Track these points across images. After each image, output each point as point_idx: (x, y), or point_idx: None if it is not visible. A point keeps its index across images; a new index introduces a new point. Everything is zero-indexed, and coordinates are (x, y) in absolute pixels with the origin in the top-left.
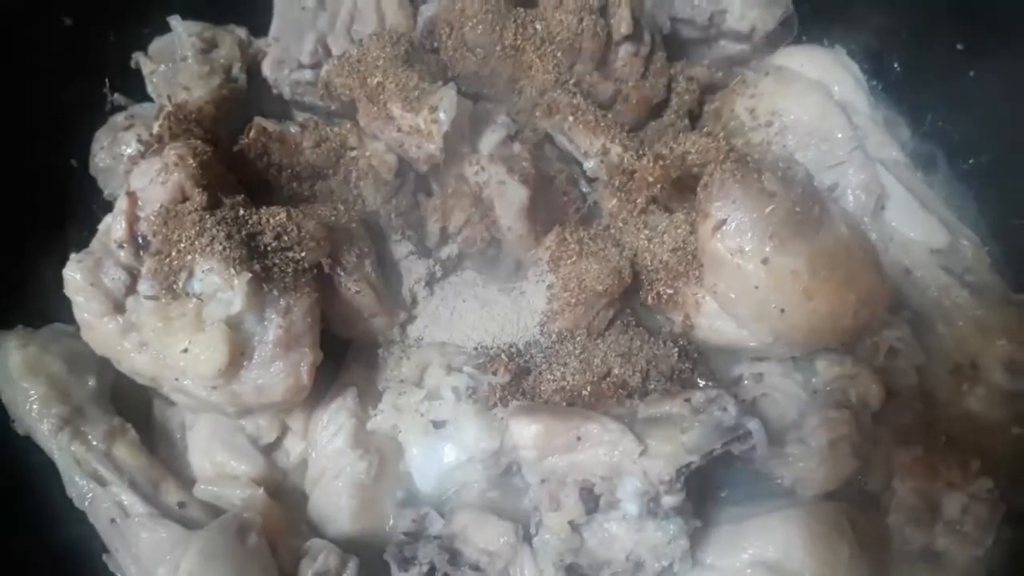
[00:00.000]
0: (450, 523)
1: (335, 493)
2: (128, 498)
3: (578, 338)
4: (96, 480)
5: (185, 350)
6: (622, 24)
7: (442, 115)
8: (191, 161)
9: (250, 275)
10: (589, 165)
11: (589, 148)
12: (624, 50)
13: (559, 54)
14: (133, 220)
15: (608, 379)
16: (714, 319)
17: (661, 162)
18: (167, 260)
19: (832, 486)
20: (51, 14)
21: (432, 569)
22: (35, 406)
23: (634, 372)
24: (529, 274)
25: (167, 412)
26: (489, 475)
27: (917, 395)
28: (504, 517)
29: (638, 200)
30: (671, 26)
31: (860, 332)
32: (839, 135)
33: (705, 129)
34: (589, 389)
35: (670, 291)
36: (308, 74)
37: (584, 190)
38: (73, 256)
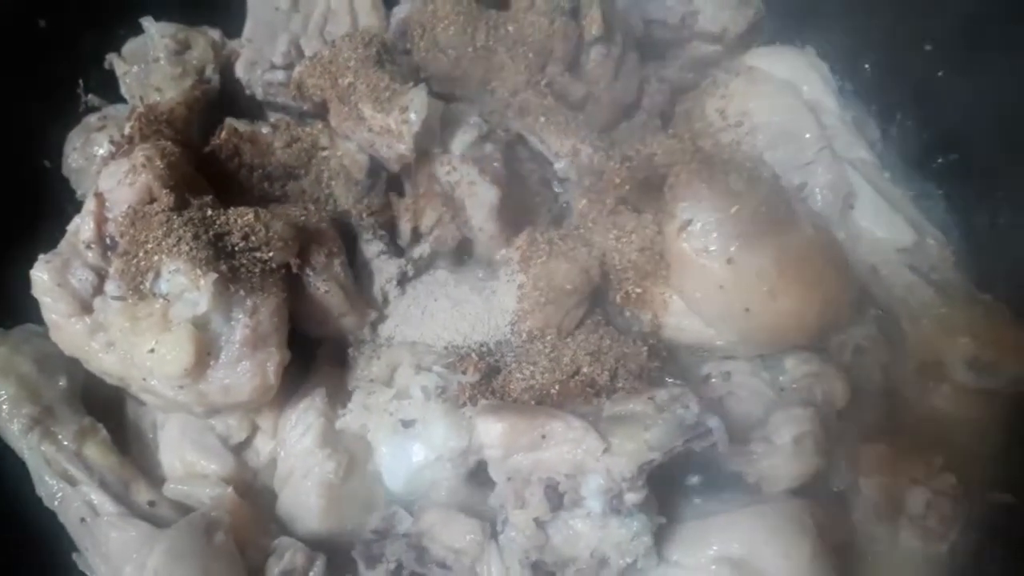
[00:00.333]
0: (418, 521)
1: (304, 492)
2: (98, 497)
3: (548, 337)
4: (66, 480)
5: (152, 350)
6: (593, 26)
7: (412, 115)
8: (159, 162)
9: (216, 275)
10: (560, 166)
11: (560, 149)
12: (595, 52)
13: (531, 55)
14: (101, 221)
15: (577, 377)
16: (681, 318)
17: (628, 163)
18: (134, 260)
19: (797, 483)
20: (26, 15)
21: (399, 567)
22: (5, 406)
23: (603, 371)
24: (500, 274)
25: (139, 412)
26: (458, 474)
27: (883, 393)
28: (472, 515)
29: (607, 200)
30: (643, 28)
31: (826, 331)
32: (808, 135)
33: (671, 131)
34: (558, 387)
35: (638, 290)
36: (281, 75)
37: (556, 191)
38: (41, 257)
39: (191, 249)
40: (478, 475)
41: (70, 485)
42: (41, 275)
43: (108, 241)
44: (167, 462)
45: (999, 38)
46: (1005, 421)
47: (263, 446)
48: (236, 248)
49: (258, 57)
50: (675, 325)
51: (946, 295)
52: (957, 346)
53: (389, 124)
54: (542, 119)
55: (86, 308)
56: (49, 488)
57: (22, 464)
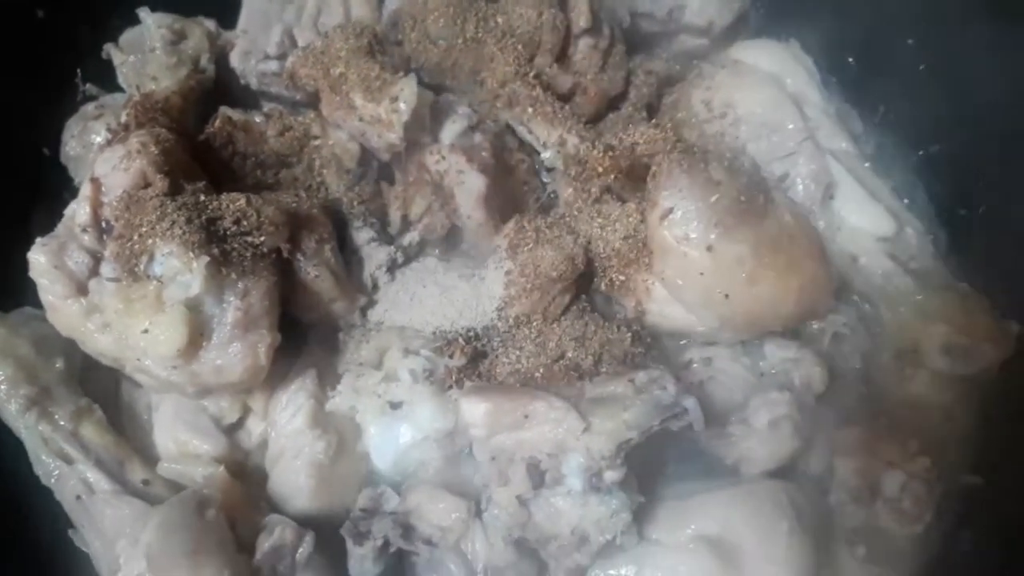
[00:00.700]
0: (405, 500)
1: (294, 472)
2: (94, 475)
3: (534, 323)
4: (62, 458)
5: (146, 331)
6: (581, 18)
7: (402, 105)
8: (153, 148)
9: (208, 258)
10: (547, 155)
11: (547, 139)
12: (583, 43)
13: (519, 47)
14: (97, 205)
15: (561, 362)
16: (664, 305)
17: (611, 153)
18: (129, 244)
19: (774, 465)
20: (24, 6)
21: (387, 543)
22: (3, 387)
23: (587, 355)
24: (488, 261)
25: (135, 393)
26: (444, 454)
27: (861, 378)
28: (457, 494)
29: (592, 189)
30: (631, 20)
31: (804, 317)
32: (790, 126)
33: (654, 121)
34: (542, 371)
35: (622, 278)
36: (274, 65)
37: (544, 180)
38: (39, 240)
39: (184, 233)
40: (462, 455)
41: (66, 464)
42: (38, 257)
43: (104, 225)
44: (161, 442)
45: (980, 33)
46: (978, 406)
47: (255, 427)
48: (228, 232)
49: (252, 47)
50: (658, 311)
51: (924, 283)
52: (933, 333)
53: (380, 114)
54: (530, 110)
55: (82, 290)
56: (46, 467)
57: (20, 443)
